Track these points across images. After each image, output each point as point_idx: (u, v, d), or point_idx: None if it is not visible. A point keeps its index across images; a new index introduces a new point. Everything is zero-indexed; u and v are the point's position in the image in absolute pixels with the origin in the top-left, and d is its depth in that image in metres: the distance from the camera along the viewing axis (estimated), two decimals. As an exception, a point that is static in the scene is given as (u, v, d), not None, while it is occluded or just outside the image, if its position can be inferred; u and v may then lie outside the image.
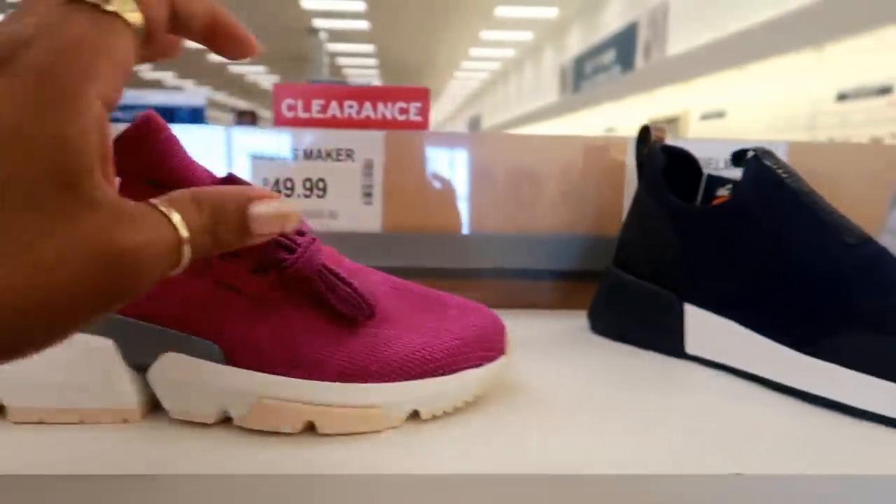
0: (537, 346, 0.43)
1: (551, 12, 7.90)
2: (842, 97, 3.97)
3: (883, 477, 0.27)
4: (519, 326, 0.40)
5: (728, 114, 5.20)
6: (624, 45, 7.40)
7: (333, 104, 0.54)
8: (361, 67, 11.59)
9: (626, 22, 7.35)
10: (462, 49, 10.03)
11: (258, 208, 0.22)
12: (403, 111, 0.55)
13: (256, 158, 0.51)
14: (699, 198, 0.45)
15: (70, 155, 0.17)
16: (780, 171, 0.38)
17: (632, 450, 0.29)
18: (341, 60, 10.86)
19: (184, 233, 0.20)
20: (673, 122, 5.84)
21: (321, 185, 0.52)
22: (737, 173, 0.40)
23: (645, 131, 0.46)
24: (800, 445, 0.30)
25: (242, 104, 14.57)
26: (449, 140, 0.54)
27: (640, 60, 6.93)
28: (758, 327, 0.37)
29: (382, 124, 0.55)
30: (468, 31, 8.59)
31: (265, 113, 16.14)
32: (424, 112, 0.55)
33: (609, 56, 7.91)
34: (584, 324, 0.48)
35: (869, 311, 0.34)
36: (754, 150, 0.39)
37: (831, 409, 0.34)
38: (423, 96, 0.55)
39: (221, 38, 0.23)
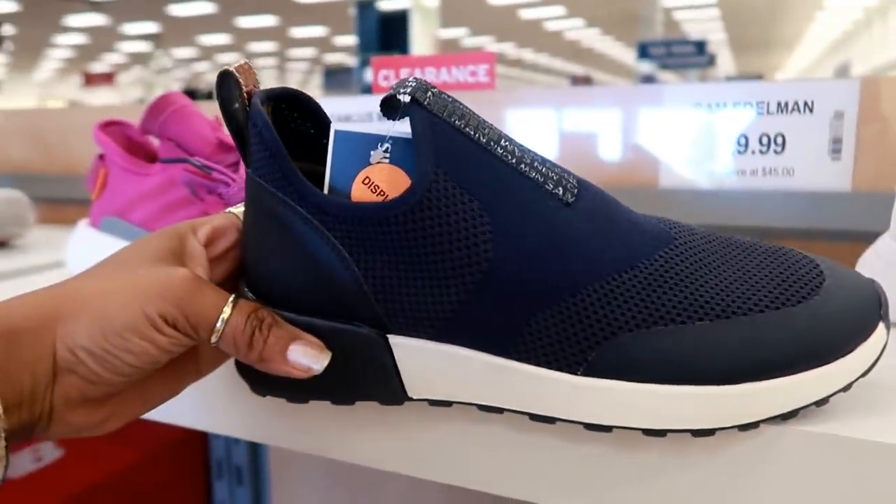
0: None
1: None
2: None
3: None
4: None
5: None
6: None
7: (417, 71, 0.63)
8: (700, 21, 10.84)
9: None
10: (822, -13, 8.70)
11: (299, 348, 0.28)
12: (473, 73, 0.61)
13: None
14: (328, 170, 0.28)
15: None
16: (456, 115, 0.27)
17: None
18: (678, 14, 10.31)
19: (227, 311, 0.27)
20: None
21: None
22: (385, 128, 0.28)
23: (225, 77, 0.27)
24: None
25: (578, 69, 14.84)
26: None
27: None
28: (497, 349, 0.27)
29: (455, 86, 0.62)
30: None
31: (601, 76, 16.18)
32: (491, 73, 0.61)
33: None
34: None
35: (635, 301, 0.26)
36: (407, 87, 0.27)
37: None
38: (489, 60, 0.61)
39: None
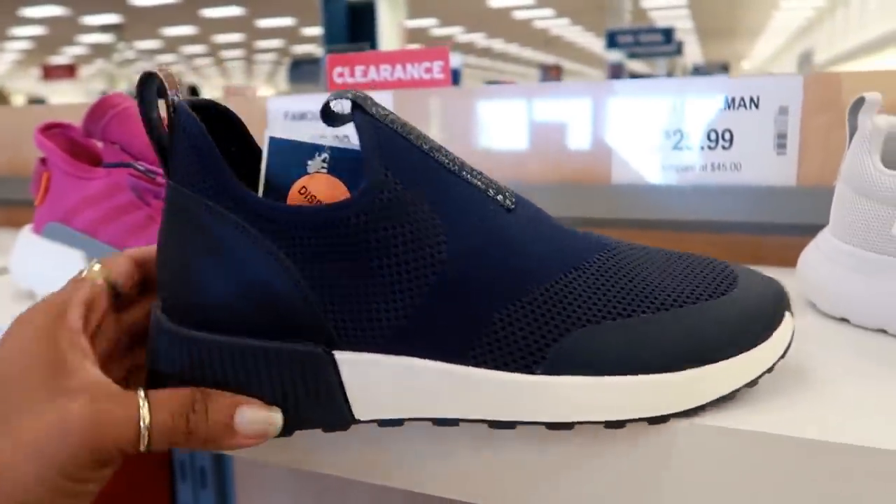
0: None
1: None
2: None
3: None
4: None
5: None
6: None
7: (372, 69, 0.63)
8: (667, 8, 10.93)
9: None
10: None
11: (247, 411, 0.25)
12: (428, 70, 0.61)
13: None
14: (262, 178, 0.28)
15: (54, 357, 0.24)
16: (398, 124, 0.27)
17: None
18: (646, 2, 10.39)
19: (145, 415, 0.23)
20: None
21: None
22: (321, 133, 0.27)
23: (147, 80, 0.26)
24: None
25: (548, 59, 14.87)
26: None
27: None
28: (452, 356, 0.27)
29: (410, 83, 0.62)
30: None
31: (571, 66, 16.23)
32: (446, 70, 0.60)
33: None
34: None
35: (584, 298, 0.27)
36: (351, 96, 0.26)
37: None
38: (443, 56, 0.60)
39: None
